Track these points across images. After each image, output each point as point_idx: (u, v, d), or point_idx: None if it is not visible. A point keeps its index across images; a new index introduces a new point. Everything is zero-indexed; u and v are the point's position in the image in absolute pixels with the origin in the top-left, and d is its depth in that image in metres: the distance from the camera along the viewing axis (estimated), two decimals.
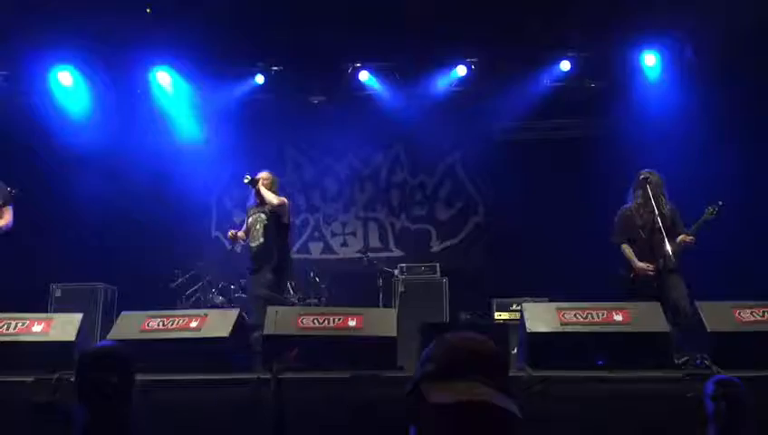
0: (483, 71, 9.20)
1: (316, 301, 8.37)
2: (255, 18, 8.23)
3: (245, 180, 6.41)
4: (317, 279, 8.66)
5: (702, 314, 4.71)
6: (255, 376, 4.23)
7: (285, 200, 6.49)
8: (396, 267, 8.77)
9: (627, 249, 5.87)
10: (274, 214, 6.39)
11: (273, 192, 6.49)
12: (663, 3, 7.81)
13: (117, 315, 6.18)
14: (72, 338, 4.61)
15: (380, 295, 8.57)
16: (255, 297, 6.10)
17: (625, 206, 6.04)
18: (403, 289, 8.12)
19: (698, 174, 7.51)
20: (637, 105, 8.77)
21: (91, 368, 2.66)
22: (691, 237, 5.68)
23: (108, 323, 7.14)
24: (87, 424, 2.60)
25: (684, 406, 3.82)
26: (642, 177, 5.90)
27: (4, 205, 5.77)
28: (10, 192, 5.80)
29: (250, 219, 6.51)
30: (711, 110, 8.15)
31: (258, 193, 6.43)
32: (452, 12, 8.00)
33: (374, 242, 10.30)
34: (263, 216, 6.41)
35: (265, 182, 6.50)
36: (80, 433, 2.61)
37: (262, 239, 6.33)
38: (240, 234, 6.56)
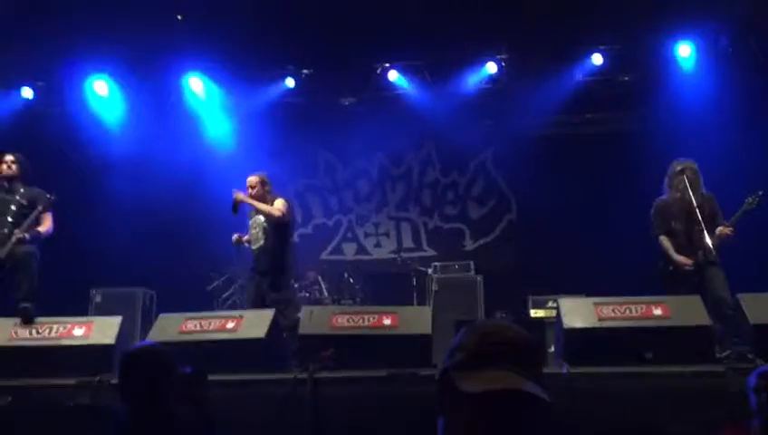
0: (513, 67, 9.12)
1: (351, 302, 8.39)
2: (284, 22, 8.29)
3: (233, 208, 6.23)
4: (351, 280, 8.68)
5: (744, 307, 4.61)
6: (292, 376, 4.26)
7: (282, 206, 6.27)
8: (429, 266, 8.74)
9: (665, 241, 5.74)
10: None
11: (267, 193, 6.35)
12: None
13: (155, 318, 6.30)
14: (112, 341, 4.69)
15: (414, 295, 8.56)
16: (262, 297, 6.01)
17: (660, 197, 5.91)
18: (437, 288, 8.09)
19: (736, 165, 7.36)
20: (671, 97, 8.60)
21: (133, 367, 2.69)
22: (731, 229, 5.55)
23: (147, 327, 7.24)
24: (129, 423, 2.64)
25: (727, 400, 3.75)
26: (678, 167, 5.79)
27: (44, 211, 5.88)
28: (49, 198, 5.91)
29: (250, 221, 6.43)
30: (747, 99, 7.99)
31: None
32: (480, 8, 7.95)
33: (407, 242, 10.29)
34: (261, 218, 6.31)
35: (255, 190, 6.33)
36: (122, 433, 2.65)
37: (262, 242, 6.25)
38: (245, 238, 6.47)
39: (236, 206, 6.23)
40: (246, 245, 6.52)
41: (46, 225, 5.86)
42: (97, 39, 8.31)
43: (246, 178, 6.55)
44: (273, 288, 6.04)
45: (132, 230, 9.07)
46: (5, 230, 5.63)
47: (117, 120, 9.58)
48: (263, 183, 6.40)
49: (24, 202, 5.83)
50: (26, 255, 5.57)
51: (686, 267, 5.56)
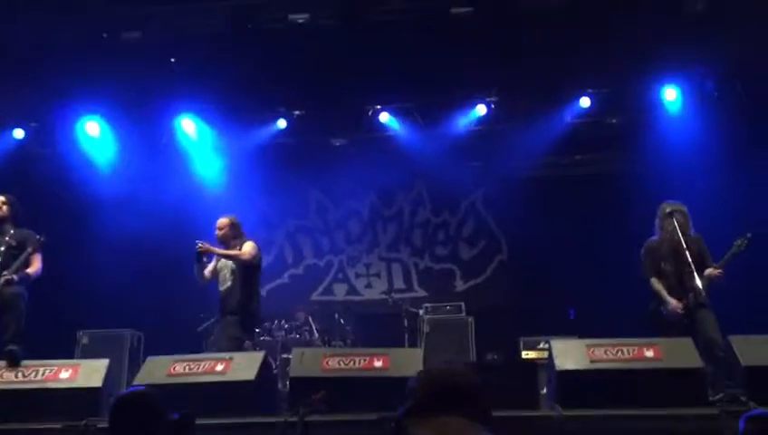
0: (503, 109, 9.24)
1: (341, 343, 8.33)
2: (276, 64, 8.37)
3: (198, 259, 6.17)
4: (342, 321, 8.63)
5: (735, 349, 4.61)
6: (282, 419, 4.20)
7: (251, 249, 6.20)
8: (420, 307, 8.71)
9: (656, 284, 5.75)
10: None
11: (237, 235, 6.32)
12: (682, 37, 7.82)
13: (143, 360, 6.22)
14: (99, 384, 4.64)
15: (406, 336, 8.51)
16: (228, 339, 5.91)
17: (651, 239, 5.95)
18: (428, 329, 8.05)
19: (723, 207, 7.42)
20: (658, 139, 8.71)
21: (123, 412, 2.68)
22: (720, 271, 5.57)
23: (134, 369, 7.16)
24: None
25: None
26: (668, 209, 5.83)
27: (34, 252, 5.86)
28: (39, 240, 5.88)
29: (218, 263, 6.30)
30: (733, 142, 8.10)
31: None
32: (471, 51, 8.07)
33: (398, 283, 10.27)
34: (229, 261, 6.23)
35: (223, 231, 6.29)
36: None
37: (229, 283, 6.15)
38: (208, 269, 6.30)
39: (200, 257, 6.17)
40: (207, 277, 6.34)
41: (35, 266, 5.83)
42: (90, 81, 8.37)
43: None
44: (237, 329, 5.97)
45: (121, 271, 9.01)
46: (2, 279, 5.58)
47: (108, 161, 9.60)
48: (232, 225, 6.35)
49: (14, 243, 5.81)
50: (14, 296, 5.53)
51: (678, 311, 5.56)
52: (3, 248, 5.76)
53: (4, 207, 5.98)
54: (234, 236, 6.32)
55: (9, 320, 5.44)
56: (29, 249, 5.77)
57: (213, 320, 8.41)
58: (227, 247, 6.26)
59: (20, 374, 4.69)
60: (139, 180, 9.33)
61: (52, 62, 7.98)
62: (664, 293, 5.67)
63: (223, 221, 6.37)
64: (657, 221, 5.93)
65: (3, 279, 5.53)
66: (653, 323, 5.68)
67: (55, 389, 4.60)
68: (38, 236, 5.90)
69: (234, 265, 6.18)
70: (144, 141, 9.52)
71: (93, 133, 9.37)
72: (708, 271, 5.58)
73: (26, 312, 5.62)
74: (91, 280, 8.83)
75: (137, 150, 9.52)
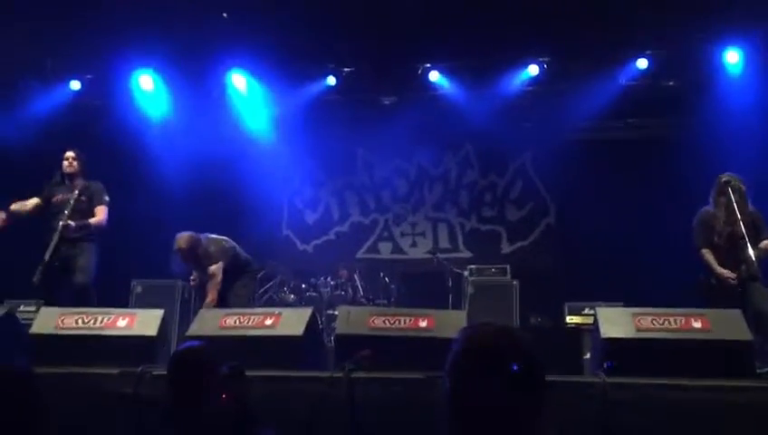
0: (555, 70, 9.07)
1: (385, 302, 8.43)
2: (327, 20, 8.34)
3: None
4: (387, 279, 8.72)
5: None
6: (329, 374, 4.30)
7: (218, 271, 6.63)
8: (465, 269, 8.74)
9: (707, 254, 5.68)
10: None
11: (207, 256, 6.68)
12: None
13: (194, 312, 6.41)
14: (154, 333, 4.79)
15: (450, 297, 8.57)
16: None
17: (704, 209, 5.84)
18: (472, 290, 8.08)
19: None
20: (718, 104, 8.44)
21: (183, 367, 2.84)
22: None
23: (185, 319, 7.40)
24: (175, 416, 2.75)
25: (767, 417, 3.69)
26: (723, 180, 5.70)
27: (99, 204, 6.10)
28: (104, 195, 6.20)
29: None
30: None
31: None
32: (524, 10, 7.91)
33: (443, 243, 10.30)
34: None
35: (186, 254, 6.68)
36: (168, 424, 2.76)
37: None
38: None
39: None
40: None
41: (99, 217, 6.09)
42: (143, 34, 8.46)
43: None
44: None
45: (173, 223, 9.22)
46: (60, 224, 5.88)
47: (161, 115, 9.76)
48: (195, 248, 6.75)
49: (83, 198, 6.13)
50: (79, 244, 5.91)
51: (730, 281, 5.49)
52: (72, 201, 6.02)
53: (75, 163, 6.21)
54: (201, 256, 6.74)
55: (77, 266, 5.88)
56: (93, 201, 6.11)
57: (261, 274, 8.63)
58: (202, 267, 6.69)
59: (80, 321, 4.88)
60: (192, 134, 9.48)
61: (107, 15, 8.08)
62: (714, 264, 5.61)
63: (181, 243, 6.75)
64: (712, 191, 5.81)
65: (60, 225, 5.82)
66: (702, 294, 5.62)
67: (113, 336, 4.77)
68: (105, 195, 6.21)
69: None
70: (196, 96, 9.63)
71: (147, 87, 9.53)
72: (765, 242, 5.47)
73: (94, 261, 6.04)
74: (144, 231, 9.07)
75: (189, 105, 9.66)
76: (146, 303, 7.34)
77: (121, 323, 4.84)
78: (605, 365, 4.37)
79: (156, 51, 9.00)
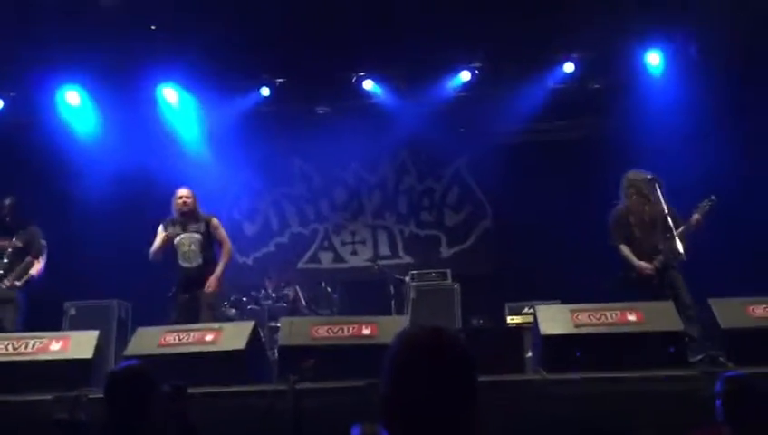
0: (487, 75, 9.22)
1: (328, 311, 8.40)
2: (258, 31, 8.28)
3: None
4: (328, 289, 8.69)
5: (715, 311, 4.72)
6: (273, 387, 4.27)
7: (227, 237, 6.53)
8: (407, 274, 8.78)
9: (624, 249, 5.88)
10: (209, 233, 6.36)
11: (197, 210, 6.46)
12: (665, 1, 7.82)
13: (131, 332, 6.25)
14: (90, 356, 4.67)
15: (393, 303, 8.59)
16: (211, 308, 6.17)
17: (618, 206, 6.06)
18: (414, 296, 8.13)
19: (702, 174, 7.52)
20: (641, 105, 8.76)
21: (120, 387, 2.75)
22: (699, 217, 5.66)
23: (122, 339, 7.19)
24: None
25: (700, 404, 3.83)
26: (650, 176, 5.92)
27: (38, 256, 6.18)
28: (42, 244, 6.24)
29: (177, 240, 6.32)
30: (716, 107, 8.15)
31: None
32: (454, 17, 8.03)
33: (384, 250, 10.33)
34: (196, 235, 6.31)
35: (190, 202, 6.40)
36: None
37: (201, 260, 6.24)
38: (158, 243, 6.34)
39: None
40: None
41: (37, 267, 6.20)
42: (69, 49, 8.24)
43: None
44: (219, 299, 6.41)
45: (106, 242, 8.99)
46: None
47: (89, 130, 9.50)
48: (195, 197, 6.50)
49: (20, 245, 6.18)
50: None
51: (647, 271, 5.68)
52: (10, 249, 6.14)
53: (188, 201, 6.31)
54: (197, 207, 6.48)
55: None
56: (30, 256, 6.16)
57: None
58: (190, 220, 6.39)
59: (10, 346, 4.71)
60: (121, 150, 9.25)
61: (30, 31, 7.85)
62: (632, 257, 5.81)
63: (189, 192, 6.47)
64: (628, 187, 6.02)
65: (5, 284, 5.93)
66: (622, 290, 5.79)
67: (46, 360, 4.63)
68: (43, 242, 6.28)
69: (204, 243, 6.28)
70: (126, 110, 9.41)
71: (74, 102, 9.27)
72: (693, 217, 5.66)
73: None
74: (76, 251, 8.81)
75: (118, 119, 9.43)
76: (80, 325, 7.09)
77: (55, 346, 4.71)
78: (576, 354, 4.46)
79: (82, 65, 8.76)
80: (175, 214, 6.38)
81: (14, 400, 4.32)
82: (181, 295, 6.15)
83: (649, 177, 5.91)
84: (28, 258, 6.07)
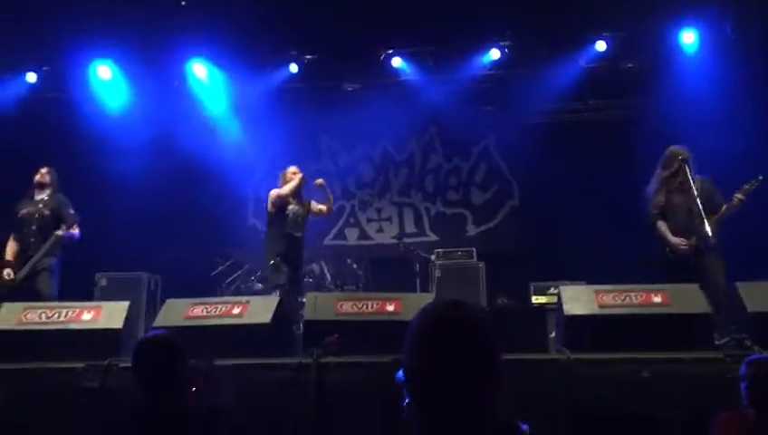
0: (516, 53, 9.14)
1: (354, 287, 8.45)
2: (288, 7, 8.29)
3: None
4: (354, 266, 8.73)
5: (742, 295, 4.66)
6: (297, 360, 4.32)
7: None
8: (432, 253, 8.80)
9: (662, 226, 5.82)
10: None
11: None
12: None
13: (160, 304, 6.37)
14: (120, 326, 4.76)
15: (417, 281, 8.62)
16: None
17: (654, 181, 5.97)
18: (439, 274, 8.15)
19: (738, 153, 7.38)
20: (675, 84, 8.59)
21: (150, 354, 2.80)
22: (742, 196, 5.53)
23: (152, 311, 7.34)
24: (144, 410, 2.74)
25: (725, 387, 3.81)
26: (672, 153, 5.83)
27: (73, 225, 6.32)
28: (75, 216, 6.37)
29: (293, 207, 6.80)
30: (752, 85, 7.98)
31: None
32: None
33: (409, 227, 10.34)
34: (302, 209, 6.83)
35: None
36: (139, 417, 2.74)
37: (302, 232, 6.81)
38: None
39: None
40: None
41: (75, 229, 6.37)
42: (100, 24, 8.33)
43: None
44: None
45: (137, 215, 9.13)
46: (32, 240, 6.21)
47: (120, 105, 9.62)
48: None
49: (48, 212, 6.35)
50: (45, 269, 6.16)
51: (682, 248, 5.63)
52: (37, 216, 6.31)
53: (47, 177, 6.55)
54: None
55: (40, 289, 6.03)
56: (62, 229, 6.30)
57: (228, 264, 8.56)
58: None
59: (43, 315, 4.82)
60: (152, 124, 9.35)
61: (63, 6, 7.93)
62: (668, 234, 5.75)
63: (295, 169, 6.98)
64: (659, 166, 5.93)
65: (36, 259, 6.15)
66: (660, 267, 5.74)
67: (78, 329, 4.72)
68: (73, 213, 6.40)
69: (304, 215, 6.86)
70: (156, 85, 9.53)
71: (105, 77, 9.38)
72: (729, 203, 5.55)
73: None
74: (107, 223, 8.94)
75: (149, 95, 9.54)
76: (111, 296, 7.22)
77: (86, 316, 4.80)
78: (585, 342, 4.46)
79: (114, 41, 8.85)
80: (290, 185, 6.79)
81: (45, 367, 4.43)
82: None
83: (671, 153, 5.82)
84: (58, 232, 6.21)
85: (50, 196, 6.49)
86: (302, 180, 6.82)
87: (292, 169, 6.97)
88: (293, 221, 6.72)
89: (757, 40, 8.15)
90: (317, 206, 7.13)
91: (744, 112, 7.99)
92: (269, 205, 6.80)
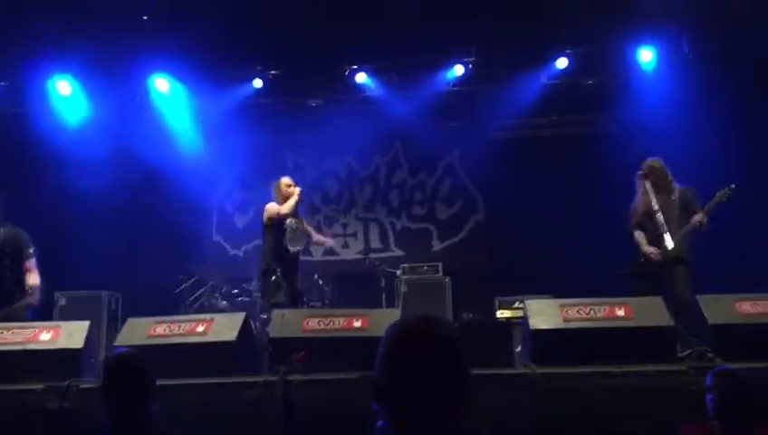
0: (480, 70, 9.26)
1: (320, 303, 8.39)
2: (252, 22, 8.27)
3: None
4: (320, 281, 8.68)
5: (703, 307, 4.74)
6: (263, 378, 4.26)
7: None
8: (398, 268, 8.80)
9: (638, 236, 5.95)
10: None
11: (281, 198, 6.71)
12: None
13: (121, 322, 6.24)
14: (81, 346, 4.64)
15: (383, 296, 8.60)
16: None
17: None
18: (405, 289, 8.15)
19: (695, 168, 7.54)
20: (634, 101, 8.80)
21: (117, 373, 2.74)
22: (703, 216, 5.65)
23: (113, 331, 7.19)
24: (109, 428, 2.68)
25: (688, 399, 3.86)
26: (642, 171, 5.96)
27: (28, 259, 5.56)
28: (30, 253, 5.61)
29: (291, 221, 6.64)
30: (709, 101, 8.19)
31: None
32: (448, 12, 8.03)
33: (375, 243, 10.34)
34: (298, 223, 6.73)
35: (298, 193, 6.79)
36: None
37: (300, 246, 6.70)
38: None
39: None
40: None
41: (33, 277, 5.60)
42: (60, 39, 8.21)
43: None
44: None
45: (97, 231, 8.96)
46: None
47: (80, 120, 9.45)
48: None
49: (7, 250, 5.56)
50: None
51: (654, 257, 5.73)
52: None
53: None
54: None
55: None
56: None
57: (192, 281, 8.44)
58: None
59: (0, 336, 4.68)
60: (114, 139, 9.22)
61: (22, 21, 7.80)
62: (643, 243, 5.87)
63: (290, 181, 6.86)
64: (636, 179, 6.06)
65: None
66: (635, 277, 5.83)
67: (36, 350, 4.59)
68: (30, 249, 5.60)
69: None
70: (118, 100, 9.40)
71: (65, 92, 9.23)
72: (695, 218, 5.67)
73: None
74: (66, 241, 8.78)
75: (110, 109, 9.40)
76: (70, 315, 7.07)
77: (45, 336, 4.67)
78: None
79: (74, 55, 8.73)
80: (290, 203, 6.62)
81: (3, 389, 4.30)
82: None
83: (642, 171, 5.94)
84: (22, 302, 5.48)
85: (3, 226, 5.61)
86: (301, 195, 6.69)
87: (286, 180, 6.79)
88: (291, 236, 6.56)
89: (713, 58, 8.37)
90: (318, 237, 7.18)
91: (701, 128, 8.19)
92: (265, 218, 6.61)
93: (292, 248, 6.56)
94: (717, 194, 5.70)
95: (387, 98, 9.57)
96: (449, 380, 1.50)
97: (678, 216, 5.77)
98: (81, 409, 4.06)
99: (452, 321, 6.86)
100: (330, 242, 7.08)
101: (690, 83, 8.41)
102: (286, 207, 6.55)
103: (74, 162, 8.94)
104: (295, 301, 6.58)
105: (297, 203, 6.61)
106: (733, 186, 5.68)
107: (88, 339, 4.74)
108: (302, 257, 10.14)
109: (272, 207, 6.61)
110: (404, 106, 9.54)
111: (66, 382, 4.21)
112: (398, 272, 8.64)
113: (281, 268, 6.41)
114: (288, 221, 6.57)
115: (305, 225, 6.93)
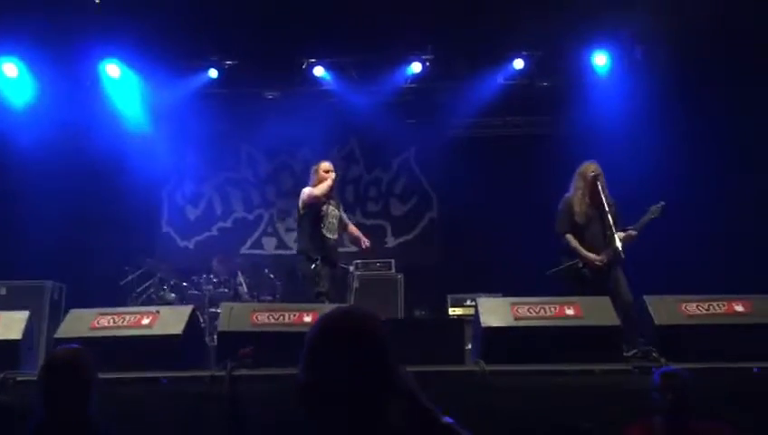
0: (438, 67, 9.27)
1: (270, 297, 8.31)
2: (209, 12, 8.12)
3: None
4: (271, 275, 8.59)
5: (649, 308, 4.82)
6: (210, 373, 4.19)
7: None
8: (351, 263, 8.74)
9: (572, 239, 5.94)
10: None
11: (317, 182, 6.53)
12: (613, 3, 7.96)
13: (64, 314, 6.06)
14: (19, 337, 4.49)
15: (335, 292, 8.53)
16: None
17: (567, 195, 6.12)
18: (358, 285, 8.10)
19: (644, 172, 7.71)
20: (587, 104, 8.93)
21: (59, 369, 2.66)
22: (635, 233, 5.79)
23: (55, 322, 6.96)
24: (45, 423, 2.59)
25: (634, 397, 3.92)
26: (585, 168, 6.01)
27: None
28: None
29: (327, 208, 6.46)
30: (659, 108, 8.36)
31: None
32: (407, 8, 8.01)
33: None
34: (336, 211, 6.55)
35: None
36: (37, 432, 2.58)
37: (336, 235, 6.51)
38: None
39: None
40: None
41: None
42: (7, 20, 7.92)
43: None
44: None
45: (41, 219, 8.69)
46: None
47: (27, 105, 9.13)
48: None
49: None
50: None
51: (597, 262, 5.78)
52: None
53: None
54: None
55: None
56: None
57: (139, 272, 8.24)
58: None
59: None
60: (60, 125, 8.93)
61: None
62: (580, 248, 5.88)
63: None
64: (577, 179, 6.08)
65: None
66: (567, 279, 5.88)
67: None
68: None
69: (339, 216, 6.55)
70: (67, 85, 9.09)
71: (11, 74, 8.90)
72: (627, 232, 5.79)
73: None
74: (10, 229, 8.50)
75: (59, 94, 9.09)
76: (11, 305, 6.79)
77: None
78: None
79: (21, 36, 8.42)
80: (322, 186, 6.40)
81: None
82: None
83: (594, 172, 5.99)
84: None
85: None
86: (335, 181, 6.49)
87: (325, 165, 6.59)
88: (329, 223, 6.41)
89: (663, 65, 8.53)
90: (353, 229, 6.96)
91: (651, 133, 8.35)
92: (300, 204, 6.43)
93: (331, 236, 6.40)
94: (650, 209, 5.81)
95: (344, 92, 9.52)
96: (374, 374, 1.47)
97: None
98: (19, 402, 3.92)
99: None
100: (366, 242, 6.75)
101: (640, 90, 8.57)
102: (318, 189, 6.36)
103: (19, 147, 8.64)
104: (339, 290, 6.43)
105: (330, 187, 6.40)
106: (663, 203, 5.80)
107: (27, 330, 4.59)
108: (253, 251, 10.16)
109: (305, 191, 6.44)
110: (361, 101, 9.51)
111: (2, 374, 4.06)
112: (351, 268, 8.59)
113: (320, 256, 6.21)
114: (325, 207, 6.40)
115: (342, 214, 6.75)
